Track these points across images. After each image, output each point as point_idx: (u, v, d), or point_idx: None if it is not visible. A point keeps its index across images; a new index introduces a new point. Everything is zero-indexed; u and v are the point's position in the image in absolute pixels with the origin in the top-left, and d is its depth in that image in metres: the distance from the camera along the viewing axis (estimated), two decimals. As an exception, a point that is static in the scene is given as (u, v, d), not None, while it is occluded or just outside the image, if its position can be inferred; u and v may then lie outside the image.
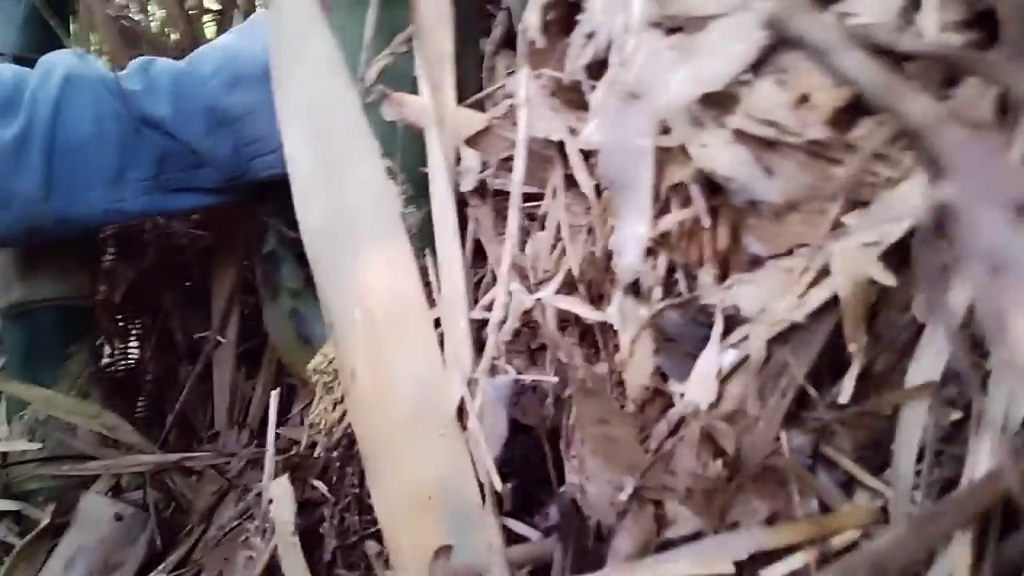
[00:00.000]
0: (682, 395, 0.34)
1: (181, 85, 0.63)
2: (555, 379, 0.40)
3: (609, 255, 0.42)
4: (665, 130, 0.32)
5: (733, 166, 0.30)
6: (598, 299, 0.43)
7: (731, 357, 0.31)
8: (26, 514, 0.76)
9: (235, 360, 0.96)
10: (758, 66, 0.29)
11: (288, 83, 0.42)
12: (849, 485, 0.32)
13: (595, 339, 0.42)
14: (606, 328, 0.41)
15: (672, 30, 0.32)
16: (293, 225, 0.80)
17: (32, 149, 0.56)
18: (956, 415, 0.30)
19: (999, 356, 0.15)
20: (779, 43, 0.29)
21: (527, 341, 0.47)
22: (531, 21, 0.39)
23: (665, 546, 0.32)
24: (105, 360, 1.00)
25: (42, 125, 0.57)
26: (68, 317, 0.80)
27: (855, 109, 0.30)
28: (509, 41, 0.84)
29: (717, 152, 0.30)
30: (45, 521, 0.75)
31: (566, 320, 0.44)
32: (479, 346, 0.42)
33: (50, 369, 0.80)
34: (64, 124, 0.58)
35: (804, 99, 0.29)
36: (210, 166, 0.64)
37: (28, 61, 0.80)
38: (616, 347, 0.40)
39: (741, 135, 0.30)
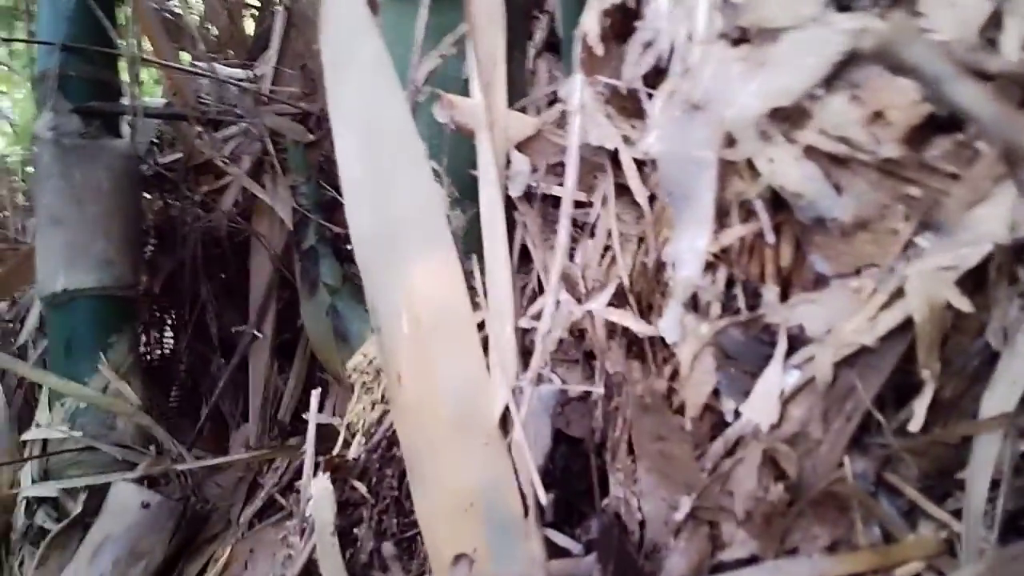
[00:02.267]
0: (737, 413, 0.33)
1: None
2: (602, 390, 0.40)
3: (660, 266, 0.41)
4: (730, 143, 0.31)
5: (802, 182, 0.29)
6: (647, 310, 0.43)
7: (794, 378, 0.30)
8: (63, 500, 0.77)
9: (270, 354, 0.96)
10: (831, 81, 0.29)
11: (339, 87, 0.42)
12: (912, 514, 0.31)
13: (643, 349, 0.42)
14: (656, 340, 0.40)
15: (739, 41, 0.31)
16: (333, 221, 0.80)
17: None
18: (1028, 446, 0.29)
19: None
20: (853, 58, 0.28)
21: (574, 349, 0.47)
22: (590, 27, 0.39)
23: (719, 568, 0.31)
24: (141, 349, 1.01)
25: None
26: (110, 307, 0.81)
27: (930, 127, 0.29)
28: (551, 45, 0.83)
29: (786, 167, 0.29)
30: (77, 510, 0.76)
31: (613, 328, 0.44)
32: (524, 353, 0.42)
33: (91, 357, 0.81)
34: None
35: (878, 116, 0.29)
36: None
37: (77, 51, 0.81)
38: (665, 360, 0.40)
39: (812, 151, 0.29)
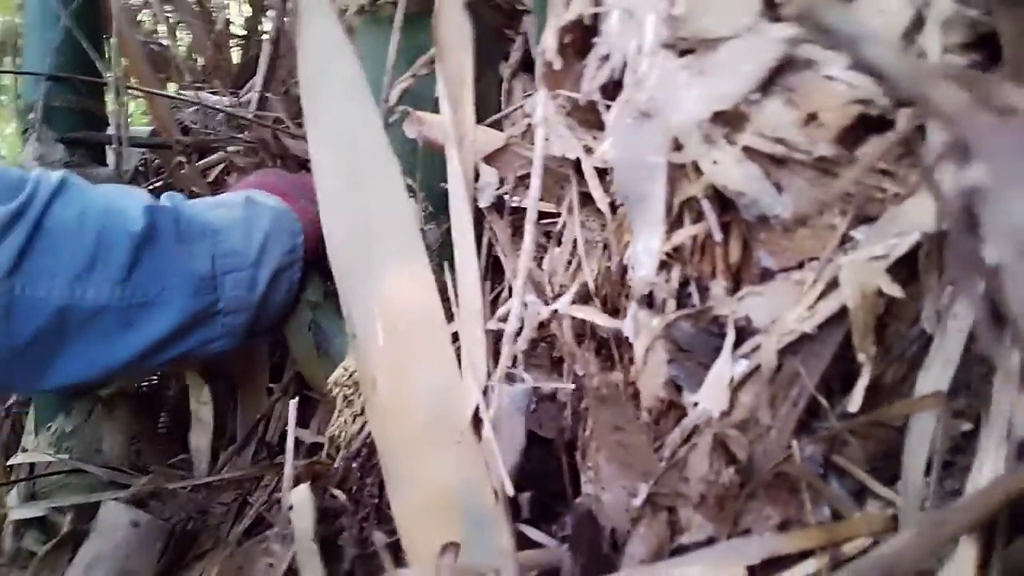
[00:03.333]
0: (695, 405, 0.35)
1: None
2: (571, 387, 0.41)
3: (624, 270, 0.43)
4: (678, 147, 0.33)
5: (744, 182, 0.31)
6: (613, 313, 0.44)
7: (743, 367, 0.32)
8: (51, 521, 0.78)
9: (260, 376, 0.97)
10: (767, 86, 0.31)
11: (315, 105, 0.44)
12: (861, 495, 0.33)
13: (611, 352, 0.43)
14: (622, 341, 0.42)
15: (684, 52, 0.33)
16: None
17: (20, 226, 0.53)
18: (966, 426, 0.31)
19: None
20: (787, 63, 0.30)
21: (546, 354, 0.49)
22: (548, 43, 0.41)
23: (678, 552, 0.33)
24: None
25: (37, 206, 0.54)
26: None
27: (862, 127, 0.31)
28: (526, 65, 0.86)
29: (728, 168, 0.31)
30: (66, 528, 0.76)
31: (582, 334, 0.45)
32: (496, 357, 0.43)
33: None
34: (55, 209, 0.55)
35: (812, 117, 0.31)
36: (178, 278, 0.59)
37: (62, 81, 0.83)
38: (632, 359, 0.41)
39: (751, 152, 0.31)
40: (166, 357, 0.63)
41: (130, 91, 0.98)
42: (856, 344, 0.30)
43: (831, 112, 0.30)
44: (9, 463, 0.83)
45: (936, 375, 0.30)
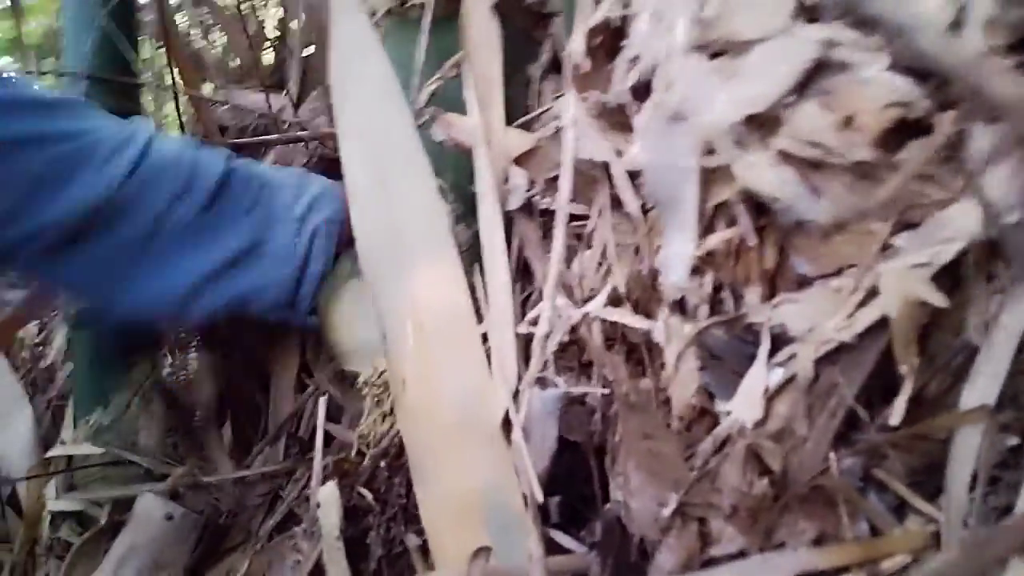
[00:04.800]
0: (728, 413, 0.34)
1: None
2: (601, 391, 0.41)
3: (655, 274, 0.42)
4: (710, 150, 0.32)
5: (779, 186, 0.30)
6: (644, 317, 0.44)
7: (778, 376, 0.31)
8: (89, 514, 0.79)
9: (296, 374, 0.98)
10: (802, 88, 0.30)
11: (346, 105, 0.44)
12: (901, 510, 0.32)
13: (641, 357, 0.43)
14: (652, 346, 0.41)
15: (716, 54, 0.32)
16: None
17: (131, 147, 0.62)
18: (1013, 441, 0.29)
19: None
20: (822, 65, 0.29)
21: (576, 357, 0.48)
22: (576, 46, 0.40)
23: (709, 564, 0.32)
24: (167, 370, 1.04)
25: (143, 137, 0.63)
26: (133, 326, 0.83)
27: (901, 131, 0.30)
28: (556, 66, 0.85)
29: (762, 172, 0.31)
30: (103, 521, 0.78)
31: (612, 338, 0.45)
32: (526, 360, 0.43)
33: (114, 377, 0.83)
34: (156, 143, 0.64)
35: (849, 120, 0.30)
36: (243, 215, 0.66)
37: (100, 81, 0.85)
38: (663, 365, 0.41)
39: (786, 156, 0.30)
40: (226, 294, 0.67)
41: (166, 91, 0.99)
42: (897, 355, 0.29)
43: (868, 115, 0.29)
44: (48, 455, 0.85)
45: (982, 388, 0.29)
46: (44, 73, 1.12)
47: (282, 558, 0.77)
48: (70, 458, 0.82)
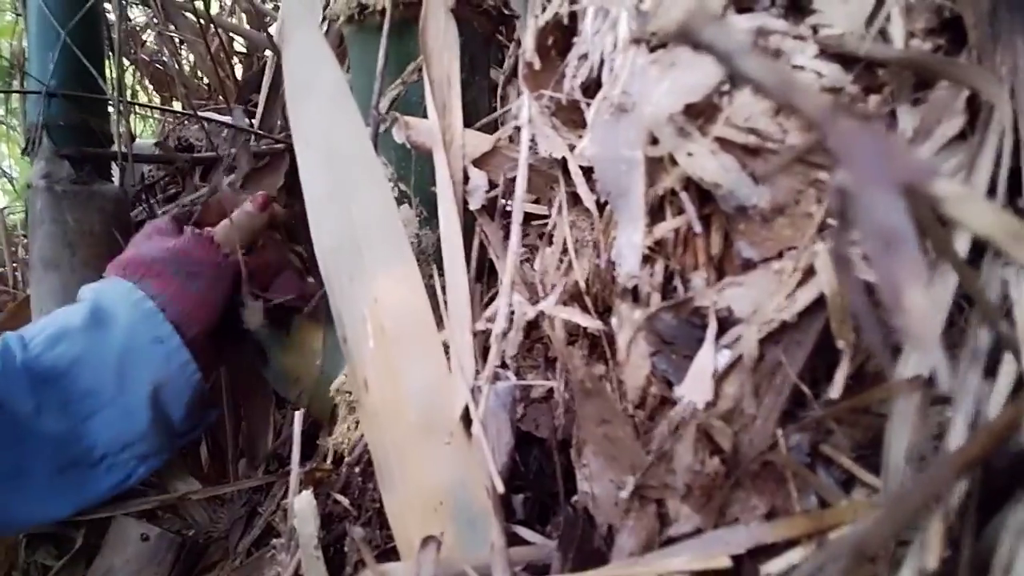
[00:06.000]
0: (683, 397, 0.35)
1: (4, 350, 0.58)
2: (556, 383, 0.41)
3: (612, 267, 0.43)
4: (653, 141, 0.33)
5: (719, 173, 0.31)
6: (605, 311, 0.45)
7: (726, 357, 0.32)
8: (64, 536, 0.79)
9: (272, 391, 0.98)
10: (735, 77, 0.31)
11: (301, 114, 0.44)
12: (849, 483, 0.32)
13: (603, 350, 0.44)
14: (613, 340, 0.42)
15: (655, 47, 0.33)
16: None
17: None
18: (949, 412, 0.30)
19: (899, 326, 0.16)
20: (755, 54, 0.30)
21: (542, 355, 0.49)
22: (527, 44, 0.41)
23: (668, 543, 0.33)
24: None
25: None
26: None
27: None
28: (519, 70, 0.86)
29: (703, 160, 0.32)
30: (79, 543, 0.77)
31: (575, 334, 0.45)
32: (485, 357, 0.43)
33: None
34: None
35: (783, 106, 0.31)
36: (38, 441, 0.57)
37: (66, 99, 0.85)
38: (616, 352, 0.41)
39: (725, 143, 0.31)
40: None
41: (133, 107, 0.99)
42: (834, 331, 0.30)
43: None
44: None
45: (916, 360, 0.30)
46: (10, 92, 1.11)
47: (261, 572, 0.77)
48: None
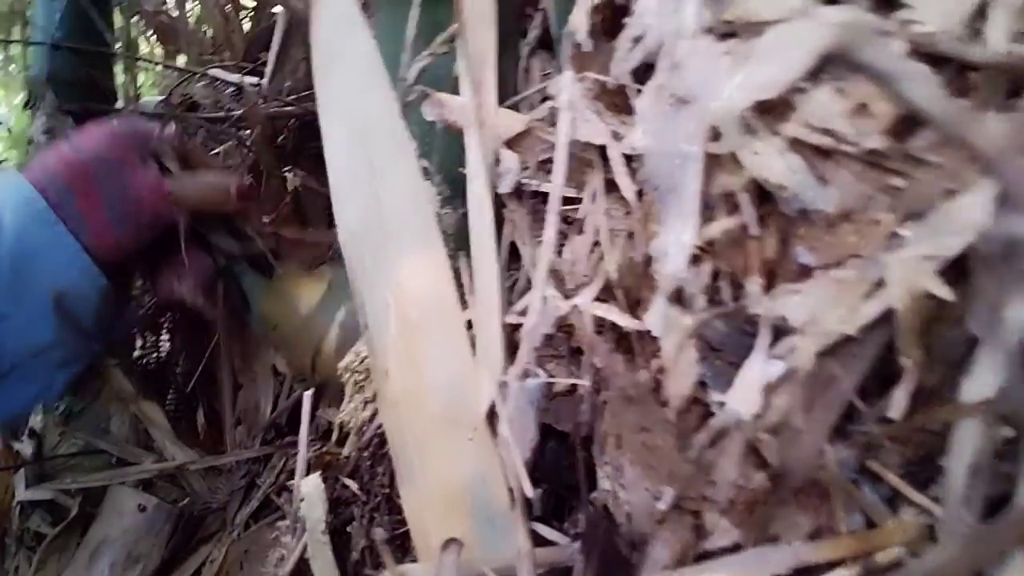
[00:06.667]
0: (722, 404, 0.34)
1: None
2: (587, 383, 0.40)
3: (648, 260, 0.41)
4: (715, 136, 0.31)
5: (786, 174, 0.30)
6: (635, 304, 0.43)
7: (777, 368, 0.30)
8: (59, 503, 0.77)
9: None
10: (815, 73, 0.29)
11: (328, 85, 0.42)
12: (894, 501, 0.31)
13: (631, 344, 0.42)
14: (643, 334, 0.40)
15: (726, 35, 0.31)
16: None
17: None
18: (1010, 433, 0.29)
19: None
20: (838, 50, 0.29)
21: (563, 345, 0.47)
22: (579, 24, 0.39)
23: (703, 557, 0.31)
24: (137, 352, 1.01)
25: None
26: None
27: (915, 119, 0.29)
28: (544, 43, 0.83)
29: (770, 160, 0.30)
30: (74, 512, 0.76)
31: (602, 324, 0.44)
32: (512, 349, 0.42)
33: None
34: None
35: (862, 107, 0.29)
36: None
37: (70, 53, 0.82)
38: (655, 353, 0.40)
39: (796, 143, 0.29)
40: None
41: (138, 62, 0.96)
42: (902, 348, 0.28)
43: (882, 102, 0.29)
44: (16, 443, 0.82)
45: (982, 380, 0.28)
46: (12, 42, 1.08)
47: (259, 547, 0.76)
48: (40, 446, 0.79)
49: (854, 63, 0.18)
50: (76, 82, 0.83)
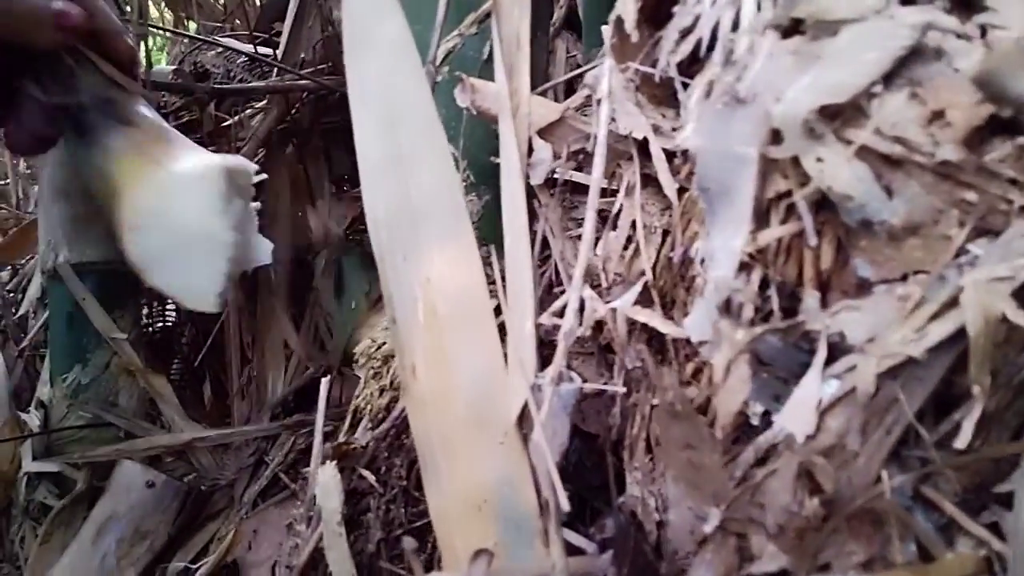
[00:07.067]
0: (766, 419, 0.32)
1: None
2: (623, 389, 0.38)
3: (686, 261, 0.40)
4: (775, 139, 0.29)
5: (852, 183, 0.28)
6: (670, 305, 0.41)
7: (833, 388, 0.29)
8: (66, 476, 0.77)
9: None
10: (890, 78, 0.27)
11: (359, 68, 0.40)
12: (948, 530, 0.30)
13: (664, 344, 0.41)
14: (678, 340, 0.39)
15: (789, 32, 0.29)
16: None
17: None
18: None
19: None
20: (916, 53, 0.27)
21: (590, 342, 0.46)
22: (628, 13, 0.37)
23: (747, 581, 0.30)
24: (143, 321, 1.00)
25: None
26: (113, 281, 0.79)
27: (992, 129, 0.27)
28: (568, 24, 0.80)
29: (836, 168, 0.28)
30: (81, 486, 0.75)
31: (633, 322, 0.42)
32: (544, 351, 0.40)
33: (93, 332, 0.79)
34: None
35: (938, 115, 0.27)
36: None
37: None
38: (687, 357, 0.38)
39: (864, 151, 0.27)
40: None
41: (150, 30, 0.93)
42: (972, 373, 0.27)
43: (960, 110, 0.27)
44: (24, 414, 0.81)
45: (1053, 411, 0.27)
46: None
47: (268, 527, 0.75)
48: (47, 417, 0.78)
49: (993, 94, 0.16)
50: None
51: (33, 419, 0.80)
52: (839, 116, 0.28)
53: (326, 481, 0.51)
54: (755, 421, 0.33)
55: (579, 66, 0.73)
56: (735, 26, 0.31)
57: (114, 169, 0.51)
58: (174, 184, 0.49)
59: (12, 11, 0.50)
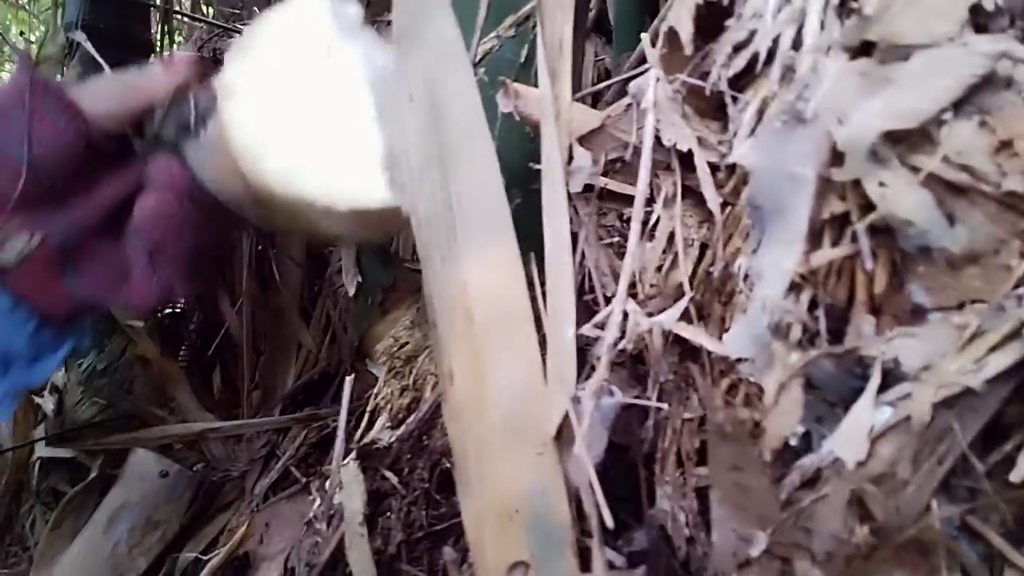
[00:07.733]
0: (806, 440, 0.32)
1: None
2: (664, 406, 0.38)
3: (727, 276, 0.39)
4: (837, 161, 0.29)
5: (915, 210, 0.27)
6: (706, 319, 0.41)
7: (886, 415, 0.29)
8: (79, 461, 0.77)
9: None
10: (959, 105, 0.27)
11: (405, 65, 0.40)
12: (991, 560, 0.30)
13: (698, 356, 0.40)
14: (712, 354, 0.39)
15: (856, 54, 0.29)
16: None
17: None
18: None
19: None
20: (987, 81, 0.26)
21: (622, 353, 0.45)
22: (683, 25, 0.36)
23: (789, 605, 0.30)
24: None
25: None
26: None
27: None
28: (597, 27, 0.79)
29: (899, 193, 0.28)
30: (94, 473, 0.75)
31: (667, 334, 0.42)
32: (583, 363, 0.40)
33: (109, 319, 0.79)
34: None
35: (1006, 145, 0.27)
36: None
37: (98, 31, 0.79)
38: (722, 372, 0.38)
39: (930, 178, 0.27)
40: None
41: (176, 15, 0.93)
42: (1032, 409, 0.26)
43: (1029, 140, 0.26)
44: (38, 398, 0.81)
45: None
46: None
47: (280, 521, 0.75)
48: (61, 401, 0.78)
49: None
50: (111, 32, 0.80)
51: (47, 403, 0.80)
52: (904, 141, 0.27)
53: (349, 481, 0.51)
54: (793, 442, 0.33)
55: (607, 70, 0.72)
56: (795, 44, 0.31)
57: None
58: None
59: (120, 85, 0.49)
